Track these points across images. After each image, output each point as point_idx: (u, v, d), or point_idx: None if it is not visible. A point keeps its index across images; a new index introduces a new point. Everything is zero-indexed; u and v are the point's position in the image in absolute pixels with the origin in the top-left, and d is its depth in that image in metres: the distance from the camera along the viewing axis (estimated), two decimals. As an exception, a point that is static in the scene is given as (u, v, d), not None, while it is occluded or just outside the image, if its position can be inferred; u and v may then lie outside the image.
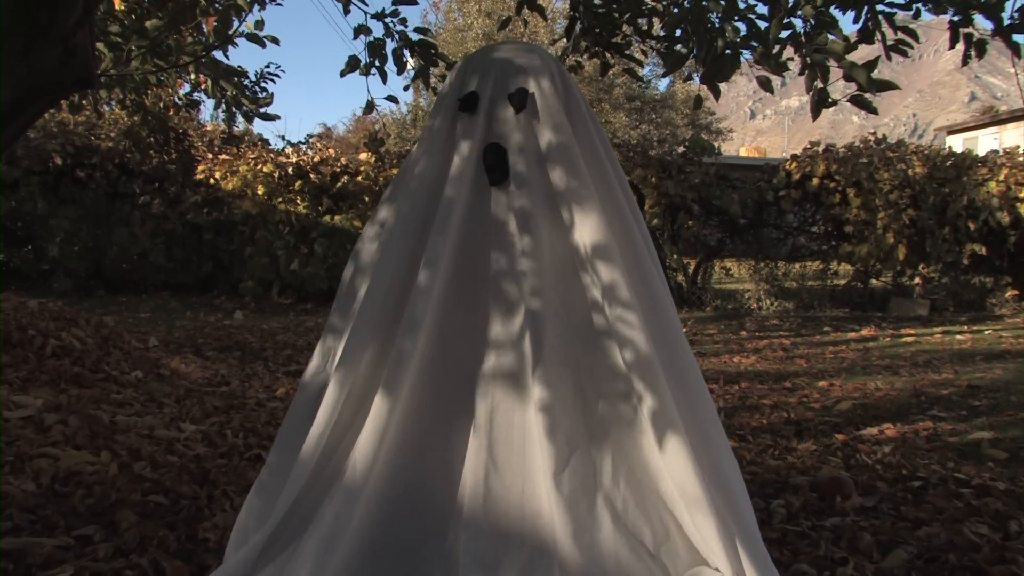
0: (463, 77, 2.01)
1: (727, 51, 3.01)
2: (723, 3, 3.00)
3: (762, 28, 3.04)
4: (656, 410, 1.75)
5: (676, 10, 3.42)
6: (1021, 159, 11.19)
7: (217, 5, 4.27)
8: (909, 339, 8.54)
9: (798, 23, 3.01)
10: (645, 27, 3.88)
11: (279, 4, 4.71)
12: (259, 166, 10.77)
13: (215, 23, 4.22)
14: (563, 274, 1.86)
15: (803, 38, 2.94)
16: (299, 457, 1.85)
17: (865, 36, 2.95)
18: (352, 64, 4.13)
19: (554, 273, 1.86)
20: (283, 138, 17.88)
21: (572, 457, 1.77)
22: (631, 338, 1.78)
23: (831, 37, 2.82)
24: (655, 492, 1.79)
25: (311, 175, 10.82)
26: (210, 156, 11.42)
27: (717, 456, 1.88)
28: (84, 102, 4.85)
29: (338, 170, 11.00)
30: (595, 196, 1.87)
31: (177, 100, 6.20)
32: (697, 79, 3.32)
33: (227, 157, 11.17)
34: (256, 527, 1.98)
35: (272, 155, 11.26)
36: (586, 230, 1.83)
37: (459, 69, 2.06)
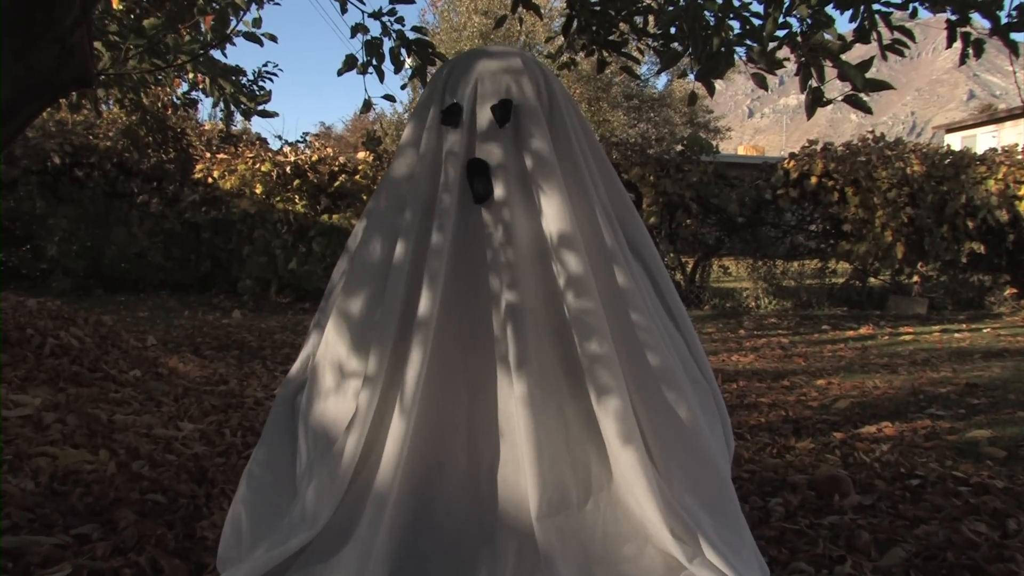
0: (445, 85, 2.01)
1: (722, 48, 3.01)
2: (719, 1, 3.01)
3: (757, 26, 3.04)
4: (613, 411, 1.78)
5: (671, 8, 3.42)
6: (1019, 157, 11.18)
7: (215, 4, 4.27)
8: (907, 337, 8.54)
9: (794, 22, 3.02)
10: (641, 25, 3.88)
11: (277, 3, 4.71)
12: (257, 165, 10.77)
13: (213, 22, 4.22)
14: (538, 269, 1.88)
15: (799, 37, 2.95)
16: (340, 467, 1.85)
17: (861, 36, 2.95)
18: (349, 63, 4.13)
19: (531, 269, 1.87)
20: (280, 137, 17.86)
21: (551, 463, 1.79)
22: (591, 331, 1.81)
23: (827, 36, 2.82)
24: (622, 499, 1.83)
25: (309, 174, 10.82)
26: (208, 155, 11.41)
27: (668, 456, 1.89)
28: (82, 101, 4.85)
29: (336, 169, 11.01)
30: (564, 193, 1.87)
31: (175, 99, 6.20)
32: (692, 76, 3.32)
33: (225, 156, 11.16)
34: (250, 520, 1.98)
35: (270, 154, 11.25)
36: (552, 223, 1.84)
37: (443, 75, 2.05)
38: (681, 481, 1.88)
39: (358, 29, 4.09)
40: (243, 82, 4.80)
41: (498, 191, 1.87)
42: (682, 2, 3.31)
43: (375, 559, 1.73)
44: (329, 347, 1.98)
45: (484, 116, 1.92)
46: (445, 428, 1.87)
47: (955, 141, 28.69)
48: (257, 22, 4.29)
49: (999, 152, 11.52)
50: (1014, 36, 2.78)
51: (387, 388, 1.84)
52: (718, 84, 3.32)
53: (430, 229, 1.88)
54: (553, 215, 1.85)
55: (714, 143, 12.33)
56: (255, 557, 1.89)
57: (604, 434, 1.80)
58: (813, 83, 2.83)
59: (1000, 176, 10.85)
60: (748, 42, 3.06)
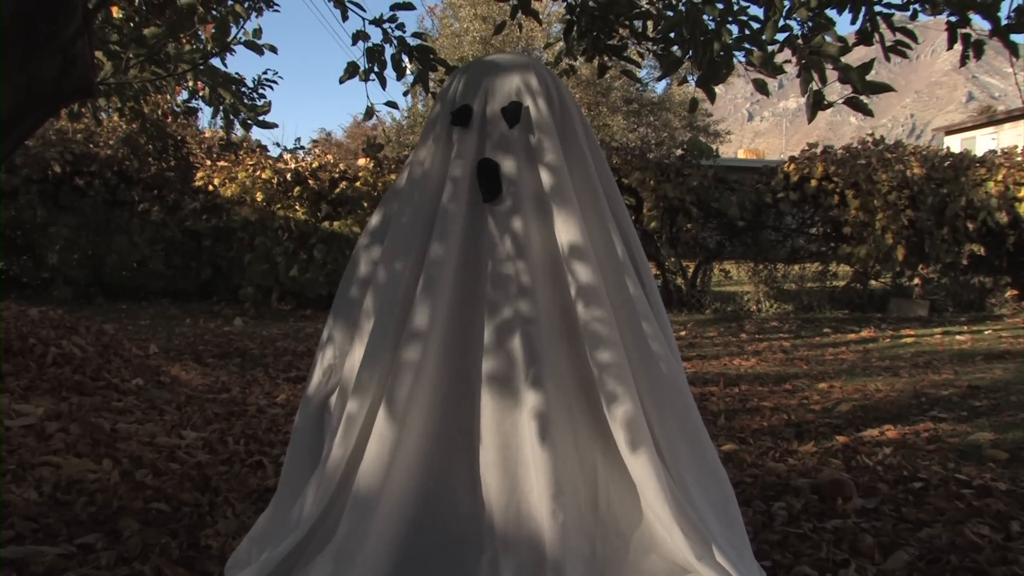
0: (457, 89, 2.01)
1: (721, 53, 3.01)
2: (720, 6, 3.01)
3: (756, 29, 3.04)
4: (624, 418, 1.79)
5: (671, 13, 3.42)
6: (1019, 159, 11.18)
7: (215, 12, 4.28)
8: (909, 340, 8.54)
9: (794, 25, 3.02)
10: (640, 29, 3.89)
11: (276, 10, 4.72)
12: (258, 172, 10.76)
13: (213, 30, 4.23)
14: (551, 278, 1.88)
15: (799, 40, 2.95)
16: (324, 473, 1.86)
17: (863, 37, 2.95)
18: (351, 70, 4.14)
19: (543, 278, 1.87)
20: (279, 144, 17.91)
21: (564, 471, 1.80)
22: (603, 340, 1.81)
23: (827, 39, 2.83)
24: (629, 504, 1.83)
25: (309, 181, 10.82)
26: (208, 163, 11.40)
27: (679, 462, 1.90)
28: (83, 110, 4.86)
29: (336, 176, 11.00)
30: (576, 203, 1.88)
31: (175, 107, 6.21)
32: (693, 81, 3.33)
33: (225, 164, 11.16)
34: (262, 533, 2.00)
35: (270, 161, 11.26)
36: (565, 234, 1.85)
37: (454, 79, 2.06)
38: (691, 484, 1.90)
39: (359, 36, 4.10)
40: (243, 91, 4.81)
41: (507, 193, 1.87)
42: (682, 7, 3.31)
43: (361, 563, 1.73)
44: (346, 363, 1.99)
45: (494, 118, 1.92)
46: (451, 436, 1.87)
47: (954, 143, 28.72)
48: (257, 32, 4.31)
49: (998, 154, 11.52)
50: (1014, 37, 2.79)
51: (379, 397, 1.84)
52: (718, 88, 3.32)
53: (433, 236, 1.88)
54: (565, 224, 1.85)
55: (714, 147, 12.35)
56: (255, 562, 1.91)
57: (616, 441, 1.81)
58: (814, 86, 2.83)
59: (1000, 178, 10.86)
60: (748, 46, 3.06)
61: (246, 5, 4.20)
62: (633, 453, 1.78)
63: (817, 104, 2.86)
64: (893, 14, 2.97)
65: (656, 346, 1.91)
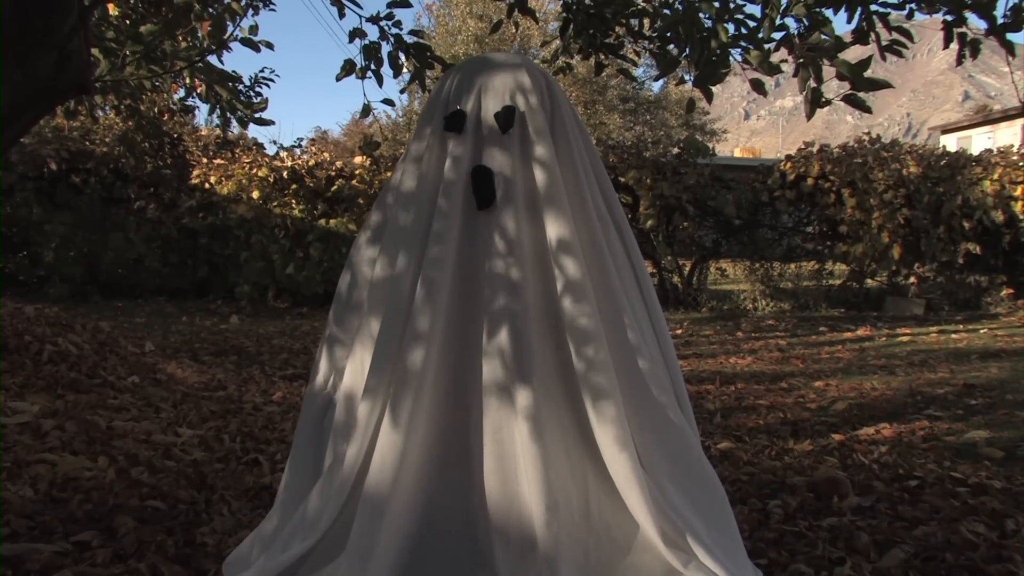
0: (450, 89, 2.01)
1: (718, 52, 3.01)
2: (716, 4, 3.01)
3: (753, 27, 3.05)
4: (609, 416, 1.79)
5: (667, 12, 3.43)
6: (1015, 158, 11.19)
7: (211, 10, 4.27)
8: (905, 339, 8.55)
9: (791, 22, 3.02)
10: (637, 28, 3.89)
11: (272, 9, 4.71)
12: (254, 170, 10.75)
13: (209, 28, 4.22)
14: (541, 276, 1.88)
15: (796, 38, 2.95)
16: (339, 476, 1.86)
17: (859, 36, 2.96)
18: (348, 68, 4.13)
19: (534, 276, 1.87)
20: (275, 142, 17.90)
21: (558, 482, 1.80)
22: (588, 336, 1.82)
23: (823, 36, 2.83)
24: (619, 507, 1.84)
25: (306, 179, 10.81)
26: (205, 161, 11.39)
27: (655, 464, 1.90)
28: (79, 107, 4.85)
29: (333, 174, 10.99)
30: (566, 201, 1.89)
31: (172, 105, 6.20)
32: (690, 81, 3.33)
33: (222, 161, 11.15)
34: (268, 534, 2.00)
35: (267, 159, 11.24)
36: (554, 230, 1.85)
37: (447, 78, 2.06)
38: (669, 484, 1.89)
39: (356, 34, 4.09)
40: (239, 88, 4.80)
41: (501, 199, 1.87)
42: (678, 5, 3.31)
43: (375, 564, 1.73)
44: (348, 364, 1.99)
45: (488, 123, 1.92)
46: (451, 440, 1.87)
47: (951, 142, 28.71)
48: (254, 29, 4.30)
49: (994, 153, 11.53)
50: (1010, 36, 2.79)
51: (387, 399, 1.84)
52: (715, 87, 3.32)
53: (431, 238, 1.88)
54: (554, 222, 1.86)
55: (710, 145, 12.34)
56: (256, 565, 1.90)
57: (599, 440, 1.80)
58: (812, 83, 2.83)
59: (996, 177, 10.86)
60: (744, 45, 3.06)
61: (243, 2, 4.19)
62: (618, 453, 1.79)
63: (816, 101, 2.86)
64: (889, 13, 2.97)
65: (637, 340, 1.91)
